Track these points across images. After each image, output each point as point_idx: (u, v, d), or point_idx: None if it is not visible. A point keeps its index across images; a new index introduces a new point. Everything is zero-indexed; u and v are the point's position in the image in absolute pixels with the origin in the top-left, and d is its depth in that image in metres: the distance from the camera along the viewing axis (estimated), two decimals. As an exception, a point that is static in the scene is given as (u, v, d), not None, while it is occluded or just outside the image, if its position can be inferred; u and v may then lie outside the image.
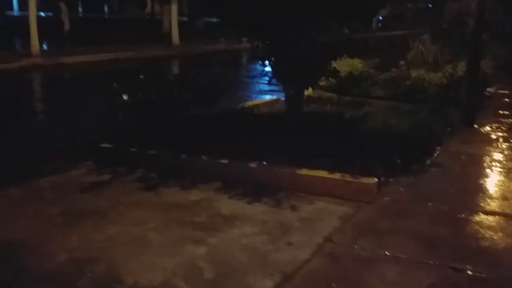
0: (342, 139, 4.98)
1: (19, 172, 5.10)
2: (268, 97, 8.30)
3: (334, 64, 5.99)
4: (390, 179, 4.53)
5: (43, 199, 4.23)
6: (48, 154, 5.89)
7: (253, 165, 4.58)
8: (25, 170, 5.17)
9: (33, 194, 4.33)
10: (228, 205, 4.08)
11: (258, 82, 10.95)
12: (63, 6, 18.97)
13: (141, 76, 6.07)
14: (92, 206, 4.06)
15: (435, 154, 5.45)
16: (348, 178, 4.25)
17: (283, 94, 5.93)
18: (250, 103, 7.71)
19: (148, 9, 31.33)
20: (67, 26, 18.87)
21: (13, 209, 4.00)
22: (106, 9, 49.07)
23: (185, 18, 21.06)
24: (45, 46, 14.52)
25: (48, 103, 9.30)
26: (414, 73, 8.24)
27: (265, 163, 4.58)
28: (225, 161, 4.69)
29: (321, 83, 7.32)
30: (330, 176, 4.30)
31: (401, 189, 4.46)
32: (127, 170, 4.84)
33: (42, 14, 19.42)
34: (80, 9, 43.87)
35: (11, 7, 42.92)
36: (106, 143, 5.27)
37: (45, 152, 5.97)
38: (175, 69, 15.36)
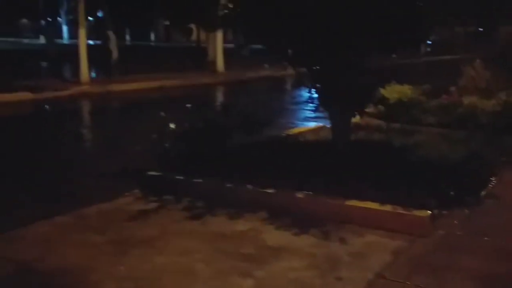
0: (392, 169, 4.83)
1: (68, 199, 5.18)
2: (313, 124, 8.22)
3: (382, 90, 5.88)
4: (443, 212, 4.34)
5: (91, 226, 4.26)
6: (96, 181, 5.96)
7: (300, 195, 4.49)
8: (74, 197, 5.24)
9: (81, 222, 4.38)
10: (275, 236, 4.00)
11: (303, 109, 10.89)
12: (111, 34, 19.63)
13: (188, 105, 6.11)
14: (139, 234, 4.06)
15: (490, 185, 5.21)
16: (400, 210, 4.10)
17: (329, 121, 5.84)
18: (295, 130, 7.65)
19: (194, 36, 31.96)
20: (115, 54, 19.48)
21: (61, 237, 4.04)
22: (152, 37, 50.59)
23: (230, 45, 21.33)
24: (93, 74, 14.94)
25: (97, 131, 9.51)
26: (466, 100, 7.98)
27: (312, 193, 4.48)
28: (271, 191, 4.63)
29: (369, 110, 7.19)
30: (381, 208, 4.16)
31: (455, 222, 4.26)
32: (173, 198, 4.84)
33: (91, 42, 20.14)
34: (127, 37, 45.35)
35: (61, 35, 44.83)
36: (153, 171, 5.30)
37: (93, 179, 6.05)
38: (220, 96, 15.53)
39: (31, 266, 3.53)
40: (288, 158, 5.33)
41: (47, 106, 11.58)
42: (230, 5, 5.38)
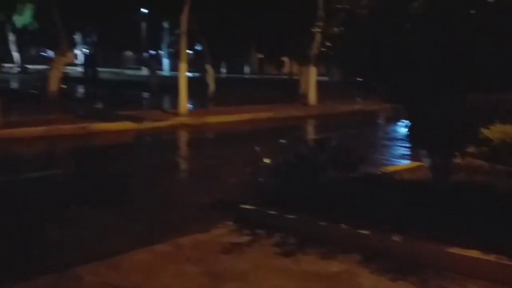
0: (496, 215, 4.55)
1: (165, 227, 5.37)
2: (410, 163, 7.96)
3: (484, 130, 5.59)
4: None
5: (187, 256, 4.38)
6: (191, 211, 6.14)
7: (396, 238, 4.34)
8: (170, 225, 5.43)
9: (178, 251, 4.51)
10: (370, 280, 3.88)
11: (398, 146, 10.62)
12: (209, 68, 20.44)
13: (282, 141, 6.16)
14: (232, 267, 4.12)
15: None
16: (505, 261, 3.83)
17: (428, 160, 5.63)
18: (391, 168, 7.45)
19: (286, 69, 32.45)
20: (212, 86, 20.22)
21: (159, 265, 4.19)
22: (246, 69, 52.03)
23: (323, 78, 21.39)
24: (191, 105, 15.54)
25: (193, 161, 9.83)
26: None
27: (410, 236, 4.32)
28: (366, 232, 4.51)
29: (470, 150, 6.85)
30: (484, 257, 3.92)
31: None
32: (266, 233, 4.87)
33: (189, 74, 21.06)
34: (223, 69, 47.00)
35: (162, 67, 47.27)
36: (247, 205, 5.38)
37: (188, 209, 6.24)
38: (312, 130, 15.55)
39: (130, 293, 3.69)
40: (384, 198, 5.20)
41: (147, 137, 12.20)
42: (328, 44, 5.42)
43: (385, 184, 6.02)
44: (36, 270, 4.06)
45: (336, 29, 5.24)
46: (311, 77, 19.33)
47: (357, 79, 5.66)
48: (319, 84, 19.69)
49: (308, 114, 17.47)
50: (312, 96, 19.31)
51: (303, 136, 13.43)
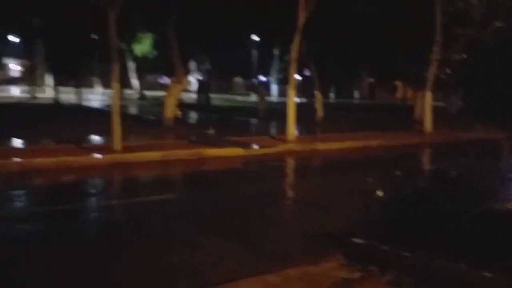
0: None
1: (272, 257, 5.30)
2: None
3: None
4: None
5: (296, 290, 4.26)
6: (300, 241, 6.04)
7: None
8: (278, 256, 5.35)
9: (287, 283, 4.41)
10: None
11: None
12: (318, 94, 20.41)
13: (396, 171, 5.88)
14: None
15: None
16: None
17: None
18: (518, 204, 6.81)
19: (399, 94, 31.53)
20: (320, 112, 20.16)
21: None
22: (356, 94, 51.37)
23: (438, 103, 20.42)
24: (299, 132, 15.49)
25: (300, 189, 9.72)
26: None
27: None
28: (488, 275, 4.11)
29: None
30: None
31: None
32: (379, 270, 4.62)
33: (297, 100, 21.16)
34: (332, 94, 46.79)
35: (270, 93, 48.10)
36: (358, 238, 5.16)
37: (296, 239, 6.14)
38: (428, 160, 14.80)
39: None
40: (509, 237, 4.72)
41: (256, 163, 12.33)
42: (448, 70, 5.13)
43: (510, 221, 5.49)
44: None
45: (457, 56, 4.95)
46: (427, 103, 18.43)
47: (480, 106, 5.30)
48: (435, 110, 18.75)
49: (424, 142, 16.67)
50: (428, 123, 18.40)
51: (418, 166, 12.83)
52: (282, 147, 13.85)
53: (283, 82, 50.95)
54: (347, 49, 21.47)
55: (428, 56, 17.07)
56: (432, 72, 17.71)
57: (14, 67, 69.35)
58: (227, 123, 21.23)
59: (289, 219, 7.31)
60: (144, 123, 19.43)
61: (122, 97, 18.29)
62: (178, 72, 18.73)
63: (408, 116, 20.16)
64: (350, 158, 13.50)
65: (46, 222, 6.71)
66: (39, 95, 33.66)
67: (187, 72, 39.28)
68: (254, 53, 47.41)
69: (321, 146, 14.52)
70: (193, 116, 25.12)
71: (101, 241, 6.01)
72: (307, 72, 29.85)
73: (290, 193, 9.43)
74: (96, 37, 28.02)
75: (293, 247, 5.77)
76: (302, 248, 5.72)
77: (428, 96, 18.40)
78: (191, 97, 36.76)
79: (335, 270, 4.73)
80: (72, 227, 6.56)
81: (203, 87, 33.50)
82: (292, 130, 14.54)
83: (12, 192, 8.44)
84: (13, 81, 61.17)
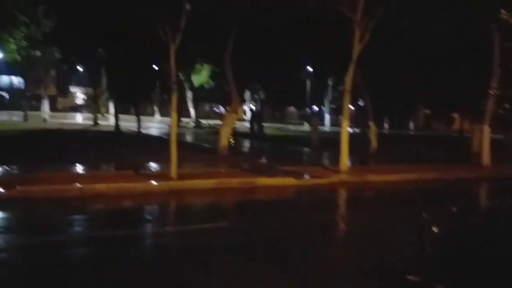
0: None
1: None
2: None
3: None
4: None
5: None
6: (351, 275, 5.98)
7: None
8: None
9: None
10: None
11: None
12: (372, 124, 20.21)
13: (453, 208, 5.77)
14: None
15: None
16: None
17: None
18: None
19: (456, 126, 30.76)
20: (374, 143, 19.92)
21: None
22: (411, 125, 50.49)
23: (496, 136, 19.78)
24: (352, 162, 15.34)
25: (353, 222, 9.63)
26: None
27: None
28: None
29: None
30: None
31: None
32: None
33: (350, 130, 21.03)
34: (385, 125, 46.19)
35: (323, 123, 48.00)
36: (412, 275, 5.08)
37: (347, 273, 6.08)
38: (485, 195, 14.31)
39: None
40: None
41: (308, 194, 12.32)
42: (507, 106, 5.04)
43: None
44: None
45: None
46: (485, 136, 17.92)
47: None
48: (493, 143, 18.18)
49: (481, 176, 16.15)
50: (486, 157, 17.84)
51: (475, 201, 12.44)
52: (334, 178, 13.79)
53: (336, 111, 50.91)
54: (403, 80, 21.27)
55: (487, 89, 16.68)
56: (490, 106, 17.27)
57: (79, 95, 72.86)
58: (279, 152, 21.34)
59: (341, 252, 7.25)
60: (199, 151, 19.85)
61: (179, 126, 18.83)
62: (233, 102, 19.10)
63: (465, 149, 19.59)
64: (404, 191, 13.25)
65: (105, 247, 6.96)
66: (101, 122, 35.06)
67: (242, 101, 39.97)
68: (308, 83, 47.72)
69: (374, 177, 14.35)
70: (246, 144, 25.41)
71: (156, 267, 6.17)
72: (361, 102, 29.72)
73: (342, 225, 9.36)
74: (156, 68, 29.16)
75: (345, 282, 5.73)
76: (355, 283, 5.68)
77: (486, 129, 17.88)
78: (245, 125, 37.23)
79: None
80: (129, 253, 6.77)
81: (256, 116, 33.88)
82: (345, 160, 14.46)
83: (72, 217, 8.82)
84: (78, 108, 64.25)
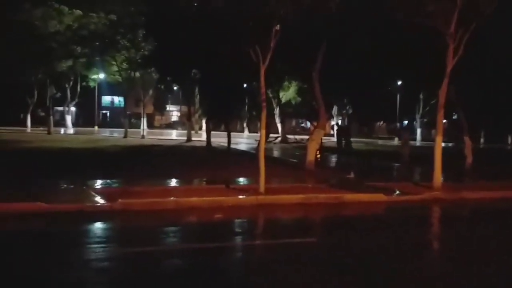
0: None
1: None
2: None
3: None
4: None
5: None
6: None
7: None
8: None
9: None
10: None
11: None
12: (467, 139, 19.39)
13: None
14: None
15: None
16: None
17: None
18: None
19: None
20: (469, 159, 19.08)
21: None
22: (508, 139, 47.62)
23: None
24: (445, 178, 14.69)
25: (447, 242, 9.30)
26: None
27: None
28: None
29: None
30: None
31: None
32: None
33: (442, 144, 20.28)
34: (481, 140, 43.91)
35: (414, 137, 46.52)
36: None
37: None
38: None
39: None
40: None
41: (398, 211, 12.06)
42: None
43: None
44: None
45: None
46: None
47: None
48: None
49: None
50: None
51: None
52: (427, 194, 13.35)
53: (428, 125, 49.18)
54: (499, 93, 20.26)
55: None
56: None
57: (174, 113, 76.36)
58: (368, 168, 21.02)
59: (434, 274, 7.00)
60: (286, 166, 20.05)
61: (266, 141, 19.20)
62: (320, 117, 19.17)
63: None
64: (503, 209, 12.53)
65: (197, 258, 7.28)
66: (194, 138, 36.47)
67: (329, 117, 39.85)
68: (398, 96, 46.61)
69: (470, 194, 13.72)
70: (333, 160, 25.29)
71: (246, 279, 6.39)
72: (454, 116, 28.58)
73: (436, 245, 9.06)
74: (245, 85, 30.04)
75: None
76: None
77: None
78: (332, 141, 37.03)
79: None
80: (219, 265, 7.03)
81: (344, 131, 33.60)
82: (438, 176, 13.96)
83: (169, 229, 9.30)
84: (173, 125, 67.39)
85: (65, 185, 12.87)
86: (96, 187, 12.80)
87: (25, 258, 6.92)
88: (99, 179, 13.91)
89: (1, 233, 8.42)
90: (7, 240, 7.95)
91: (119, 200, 10.57)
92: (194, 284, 6.07)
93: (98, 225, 9.44)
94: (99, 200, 10.85)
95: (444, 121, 24.36)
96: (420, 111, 48.15)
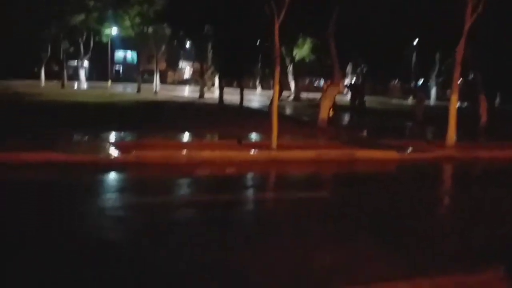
0: None
1: (424, 262, 5.28)
2: None
3: None
4: None
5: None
6: (454, 250, 5.90)
7: None
8: (430, 261, 5.30)
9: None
10: None
11: None
12: (483, 99, 19.15)
13: None
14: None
15: None
16: None
17: None
18: None
19: None
20: (483, 118, 18.90)
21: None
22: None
23: None
24: (459, 138, 14.59)
25: (458, 198, 9.33)
26: None
27: None
28: None
29: None
30: None
31: None
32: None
33: (458, 104, 20.03)
34: (497, 100, 43.27)
35: (428, 96, 45.99)
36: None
37: (450, 248, 5.99)
38: None
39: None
40: None
41: (410, 168, 12.05)
42: None
43: None
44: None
45: None
46: None
47: None
48: None
49: None
50: None
51: None
52: (440, 153, 13.30)
53: (443, 85, 48.49)
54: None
55: None
56: None
57: (187, 70, 76.04)
58: (381, 126, 20.92)
59: (444, 228, 7.08)
60: (299, 123, 20.03)
61: (279, 99, 19.08)
62: (335, 75, 18.96)
63: None
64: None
65: (209, 210, 7.38)
66: (207, 95, 36.40)
67: (344, 75, 39.41)
68: (414, 56, 45.80)
69: (483, 153, 13.64)
70: (346, 118, 25.18)
71: (257, 230, 6.48)
72: (470, 76, 28.11)
73: (446, 202, 9.10)
74: (259, 42, 29.62)
75: (447, 256, 5.63)
76: (457, 257, 5.58)
77: None
78: (346, 99, 36.77)
79: (494, 283, 4.57)
80: (230, 216, 7.13)
81: (358, 89, 33.26)
82: (452, 135, 13.88)
83: (180, 181, 9.40)
84: (185, 82, 67.25)
85: (80, 137, 13.00)
86: (110, 139, 12.91)
87: (39, 206, 7.05)
88: (113, 132, 14.02)
89: (16, 182, 8.57)
90: (22, 189, 8.10)
91: (133, 152, 10.66)
92: (207, 233, 6.17)
93: (112, 175, 9.57)
94: (113, 152, 10.96)
95: (460, 80, 23.98)
96: (436, 71, 47.36)
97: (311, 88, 60.07)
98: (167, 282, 4.61)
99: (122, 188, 8.74)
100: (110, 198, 7.75)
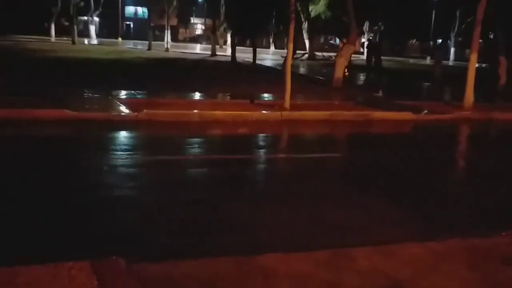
0: None
1: (438, 225, 5.17)
2: None
3: None
4: None
5: (461, 260, 4.11)
6: (469, 213, 5.78)
7: None
8: (444, 224, 5.20)
9: (450, 252, 4.27)
10: None
11: None
12: (503, 60, 18.61)
13: None
14: None
15: None
16: None
17: None
18: None
19: None
20: (503, 79, 18.42)
21: (430, 263, 4.03)
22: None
23: None
24: (477, 99, 14.26)
25: (475, 160, 9.17)
26: None
27: None
28: None
29: None
30: None
31: None
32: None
33: (476, 64, 19.51)
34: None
35: (447, 57, 45.05)
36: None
37: (465, 211, 5.88)
38: None
39: (401, 285, 3.65)
40: None
41: (426, 129, 11.83)
42: None
43: None
44: (307, 245, 4.39)
45: None
46: None
47: None
48: None
49: None
50: None
51: None
52: (457, 114, 13.04)
53: (463, 45, 47.32)
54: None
55: None
56: None
57: (199, 27, 75.04)
58: (397, 86, 20.55)
59: (458, 190, 6.97)
60: (313, 83, 19.70)
61: (293, 57, 18.71)
62: (351, 33, 18.48)
63: None
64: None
65: (222, 168, 7.32)
66: (219, 53, 35.90)
67: (360, 33, 38.59)
68: (433, 14, 44.61)
69: (501, 115, 13.35)
70: (362, 78, 24.76)
71: (269, 189, 6.41)
72: (490, 35, 27.30)
73: (462, 163, 8.94)
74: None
75: (461, 219, 5.54)
76: (471, 220, 5.49)
77: None
78: (362, 58, 36.13)
79: (507, 246, 4.46)
80: (243, 174, 7.07)
81: (374, 48, 32.56)
82: (470, 96, 13.56)
83: (191, 139, 9.30)
84: (197, 39, 66.44)
85: (91, 94, 12.90)
86: (121, 97, 12.80)
87: (51, 162, 7.02)
88: (124, 89, 13.89)
89: (29, 139, 8.54)
90: (35, 145, 8.07)
91: (144, 110, 10.55)
92: (219, 190, 6.11)
93: (124, 133, 9.50)
94: (124, 109, 10.86)
95: (480, 41, 23.32)
96: (455, 30, 46.14)
97: (326, 47, 59.10)
98: (182, 230, 4.57)
99: (133, 146, 8.68)
100: (121, 155, 7.68)
